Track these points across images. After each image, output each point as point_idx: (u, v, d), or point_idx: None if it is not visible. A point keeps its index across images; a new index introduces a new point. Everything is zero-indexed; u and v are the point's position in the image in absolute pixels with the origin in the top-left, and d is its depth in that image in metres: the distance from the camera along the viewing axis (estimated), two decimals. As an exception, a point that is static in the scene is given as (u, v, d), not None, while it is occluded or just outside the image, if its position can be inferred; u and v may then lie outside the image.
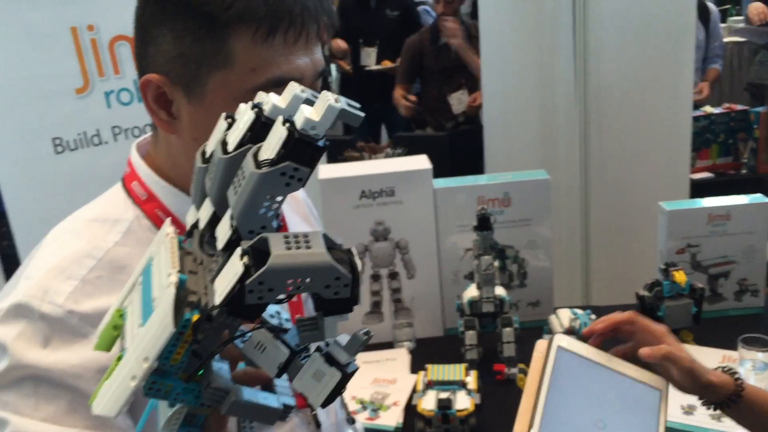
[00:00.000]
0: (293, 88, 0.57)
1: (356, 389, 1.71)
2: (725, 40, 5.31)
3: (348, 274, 0.53)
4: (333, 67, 5.08)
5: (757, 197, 1.93)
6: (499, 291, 1.76)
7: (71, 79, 2.03)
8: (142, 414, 0.69)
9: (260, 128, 0.56)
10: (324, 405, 0.59)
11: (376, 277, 1.96)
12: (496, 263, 1.78)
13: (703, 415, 1.45)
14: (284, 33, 0.80)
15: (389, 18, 4.62)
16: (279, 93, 0.58)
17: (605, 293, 2.70)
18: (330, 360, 0.58)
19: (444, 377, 1.58)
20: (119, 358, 0.58)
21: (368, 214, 1.90)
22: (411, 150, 3.24)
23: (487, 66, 2.78)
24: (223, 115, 0.61)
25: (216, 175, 0.58)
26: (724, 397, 1.00)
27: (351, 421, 1.15)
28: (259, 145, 0.55)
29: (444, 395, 1.51)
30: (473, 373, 1.63)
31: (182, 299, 0.56)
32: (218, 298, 0.52)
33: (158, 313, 0.55)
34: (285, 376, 0.62)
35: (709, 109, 3.39)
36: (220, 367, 0.63)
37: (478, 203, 1.90)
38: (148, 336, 0.55)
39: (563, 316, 1.71)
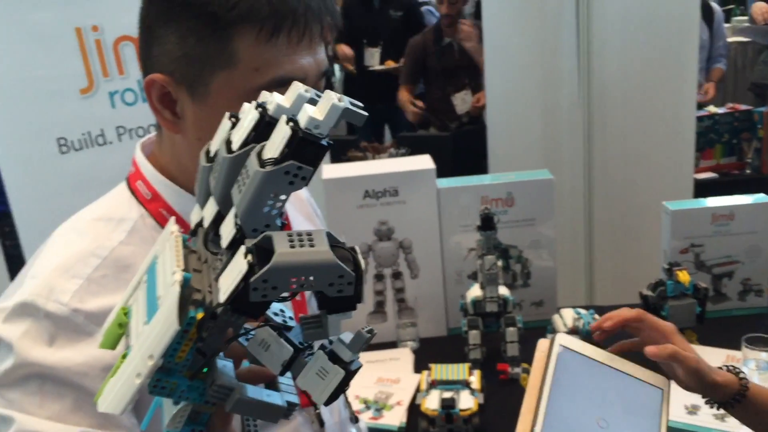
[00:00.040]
0: (297, 88, 0.57)
1: (360, 389, 1.71)
2: (729, 40, 5.31)
3: (351, 272, 0.53)
4: (336, 67, 5.08)
5: (761, 197, 1.93)
6: (503, 291, 1.76)
7: (76, 80, 2.04)
8: (147, 412, 0.69)
9: (264, 127, 0.56)
10: (328, 402, 0.59)
11: (379, 277, 1.96)
12: (500, 263, 1.78)
13: (706, 415, 1.45)
14: (288, 33, 0.80)
15: (392, 18, 4.62)
16: (283, 93, 0.58)
17: (609, 293, 2.70)
18: (334, 358, 0.58)
19: (447, 377, 1.58)
20: (124, 356, 0.58)
21: (372, 214, 1.91)
22: (414, 150, 3.24)
23: (490, 66, 2.78)
24: (227, 114, 0.61)
25: (220, 174, 0.58)
26: (729, 396, 1.00)
27: (354, 419, 1.15)
28: (263, 144, 0.55)
29: (447, 395, 1.51)
30: (477, 373, 1.63)
31: (187, 297, 0.56)
32: (222, 296, 0.53)
33: (163, 311, 0.55)
34: (289, 374, 0.62)
35: (713, 109, 3.38)
36: (225, 364, 0.63)
37: (482, 203, 1.90)
38: (153, 334, 0.55)
39: (567, 316, 1.72)
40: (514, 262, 1.97)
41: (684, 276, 1.73)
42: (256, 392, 0.63)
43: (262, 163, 0.53)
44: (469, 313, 1.78)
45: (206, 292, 0.58)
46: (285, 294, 0.53)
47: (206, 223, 0.62)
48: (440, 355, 1.78)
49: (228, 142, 0.59)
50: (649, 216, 2.39)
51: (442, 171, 1.95)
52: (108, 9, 2.05)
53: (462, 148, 3.73)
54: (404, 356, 1.87)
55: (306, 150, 0.53)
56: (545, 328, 1.82)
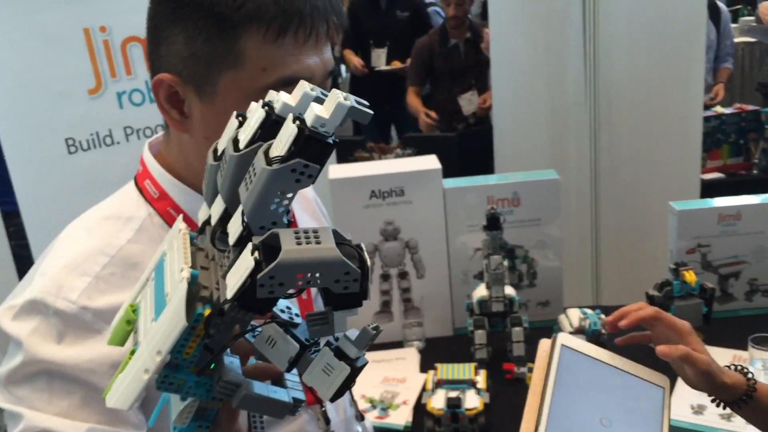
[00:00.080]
0: (303, 87, 0.58)
1: (366, 388, 1.71)
2: (737, 40, 5.29)
3: (357, 269, 0.54)
4: (342, 67, 5.09)
5: (768, 197, 1.93)
6: (509, 290, 1.76)
7: (84, 80, 2.05)
8: (154, 409, 0.70)
9: (271, 126, 0.57)
10: (333, 399, 0.60)
11: (385, 277, 1.96)
12: (506, 263, 1.78)
13: (712, 415, 1.45)
14: (294, 33, 0.81)
15: (399, 19, 4.63)
16: (289, 92, 0.59)
17: (615, 293, 2.70)
18: (339, 354, 0.59)
19: (453, 376, 1.59)
20: (132, 352, 0.59)
21: (378, 214, 1.91)
22: (421, 150, 3.24)
23: (497, 66, 2.78)
24: (235, 113, 0.62)
25: (227, 172, 0.59)
26: (737, 396, 1.00)
27: (360, 417, 1.16)
28: (269, 142, 0.55)
29: (453, 394, 1.51)
30: (482, 373, 1.63)
31: (194, 294, 0.57)
32: (230, 293, 0.53)
33: (171, 308, 0.56)
34: (295, 371, 0.63)
35: (720, 109, 3.37)
36: (231, 361, 0.64)
37: (488, 203, 1.90)
38: (161, 330, 0.56)
39: (573, 316, 1.71)
40: (520, 262, 1.97)
41: (690, 276, 1.73)
42: (263, 388, 0.63)
43: (269, 161, 0.53)
44: (475, 313, 1.78)
45: (213, 289, 0.58)
46: (291, 291, 0.54)
47: (214, 221, 0.62)
48: (446, 354, 1.78)
49: (235, 141, 0.59)
50: (655, 216, 2.39)
51: (449, 171, 1.95)
52: (116, 10, 2.06)
53: (468, 149, 3.73)
54: (410, 356, 1.87)
55: (312, 148, 0.53)
56: (551, 328, 1.82)
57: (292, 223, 0.59)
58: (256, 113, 0.58)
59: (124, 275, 0.84)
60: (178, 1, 0.81)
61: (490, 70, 2.88)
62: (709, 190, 2.78)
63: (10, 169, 1.97)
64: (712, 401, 1.03)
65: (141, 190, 0.92)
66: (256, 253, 0.52)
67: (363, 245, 0.56)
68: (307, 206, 1.16)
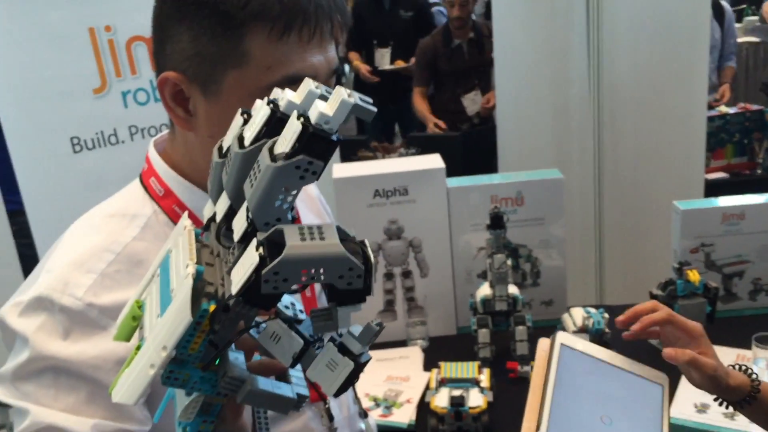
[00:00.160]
0: (308, 84, 0.58)
1: (370, 386, 1.72)
2: (741, 40, 5.29)
3: (361, 264, 0.54)
4: (347, 67, 5.10)
5: (772, 197, 1.92)
6: (512, 289, 1.77)
7: (89, 79, 2.06)
8: (159, 406, 0.70)
9: (275, 123, 0.57)
10: (337, 394, 0.60)
11: (389, 276, 1.97)
12: (509, 262, 1.78)
13: (716, 414, 1.45)
14: (299, 31, 0.81)
15: (403, 19, 4.63)
16: (294, 90, 0.59)
17: (618, 292, 2.70)
18: (343, 350, 0.59)
19: (457, 375, 1.59)
20: (138, 348, 0.60)
21: (382, 213, 1.91)
22: (424, 150, 3.24)
23: (500, 66, 2.78)
24: (240, 110, 0.62)
25: (232, 169, 0.59)
26: (741, 397, 1.00)
27: (363, 415, 1.16)
28: (274, 139, 0.56)
29: (457, 393, 1.52)
30: (486, 371, 1.63)
31: (199, 290, 0.57)
32: (235, 288, 0.54)
33: (176, 304, 0.56)
34: (299, 367, 0.63)
35: (724, 108, 3.37)
36: (236, 357, 0.64)
37: (491, 202, 1.90)
38: (167, 326, 0.56)
39: (576, 315, 1.72)
40: (524, 261, 1.97)
41: (694, 275, 1.73)
42: (267, 384, 0.64)
43: (274, 158, 0.54)
44: (479, 312, 1.78)
45: (219, 285, 0.59)
46: (295, 286, 0.54)
47: (219, 218, 0.63)
48: (450, 353, 1.78)
49: (240, 138, 0.60)
50: (659, 215, 2.39)
51: (452, 170, 1.96)
52: (121, 9, 2.07)
53: (472, 148, 3.73)
54: (414, 354, 1.88)
55: (316, 145, 0.53)
56: (555, 327, 1.82)
57: (296, 220, 0.59)
58: (260, 111, 0.59)
59: (129, 272, 0.84)
60: None
61: (493, 69, 2.88)
62: (713, 189, 2.77)
63: (16, 168, 1.98)
64: (715, 400, 1.03)
65: (146, 187, 0.92)
66: (261, 249, 0.52)
67: (367, 241, 0.57)
68: (312, 204, 1.17)
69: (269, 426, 0.75)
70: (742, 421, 1.11)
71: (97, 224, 0.90)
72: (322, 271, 0.53)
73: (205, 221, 0.66)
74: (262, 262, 0.52)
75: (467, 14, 3.98)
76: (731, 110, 3.32)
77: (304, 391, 0.67)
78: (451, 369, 1.61)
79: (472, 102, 4.04)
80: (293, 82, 0.77)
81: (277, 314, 0.63)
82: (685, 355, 0.98)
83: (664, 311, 1.04)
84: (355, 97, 0.54)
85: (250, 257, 0.53)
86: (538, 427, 0.89)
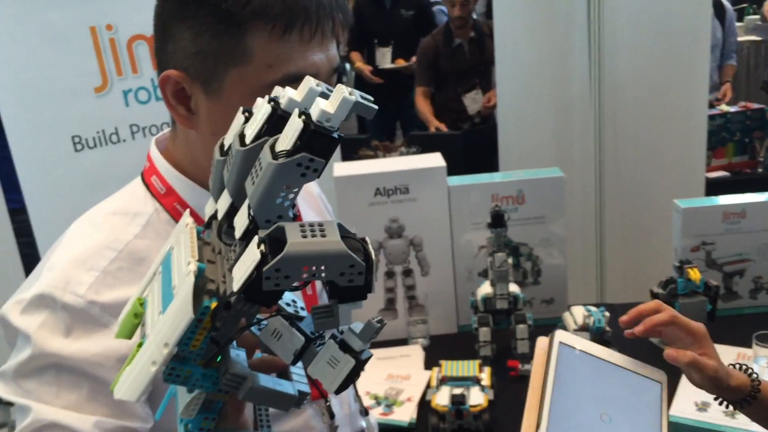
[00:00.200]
0: (309, 82, 0.58)
1: (370, 385, 1.72)
2: (742, 39, 5.28)
3: (362, 261, 0.54)
4: (347, 66, 5.10)
5: (773, 195, 1.92)
6: (513, 288, 1.77)
7: (90, 78, 2.06)
8: (161, 403, 0.71)
9: (277, 121, 0.57)
10: (338, 391, 0.60)
11: (390, 274, 1.97)
12: (510, 260, 1.78)
13: (716, 412, 1.45)
14: (300, 29, 0.81)
15: (404, 18, 4.63)
16: (295, 88, 0.59)
17: (619, 291, 2.70)
18: (344, 347, 0.59)
19: (458, 373, 1.59)
20: (140, 345, 0.60)
21: (383, 212, 1.92)
22: (425, 149, 3.24)
23: (501, 64, 2.78)
24: (241, 109, 0.62)
25: (234, 166, 0.60)
26: (741, 396, 1.00)
27: (364, 412, 1.16)
28: (275, 137, 0.56)
29: (458, 391, 1.52)
30: (487, 370, 1.64)
31: (201, 287, 0.57)
32: (236, 285, 0.54)
33: (178, 301, 0.57)
34: (300, 364, 0.63)
35: (725, 107, 3.37)
36: (238, 354, 0.64)
37: (492, 201, 1.90)
38: (169, 323, 0.57)
39: (577, 314, 1.72)
40: (525, 260, 1.97)
41: (695, 274, 1.73)
42: (269, 381, 0.64)
43: (275, 156, 0.54)
44: (480, 311, 1.79)
45: (220, 282, 0.59)
46: (296, 283, 0.54)
47: (220, 215, 0.63)
48: (450, 352, 1.78)
49: (242, 136, 0.60)
50: (660, 214, 2.39)
51: (453, 169, 1.96)
52: (122, 8, 2.08)
53: (473, 147, 3.73)
54: (415, 353, 1.88)
55: (318, 142, 0.54)
56: (555, 326, 1.82)
57: (297, 218, 0.59)
58: (262, 108, 0.59)
59: (131, 270, 0.85)
60: None
61: (494, 69, 2.88)
62: (714, 188, 2.77)
63: (17, 167, 1.98)
64: (715, 399, 1.03)
65: (148, 185, 0.93)
66: (263, 246, 0.52)
67: (368, 238, 0.57)
68: (313, 203, 1.17)
69: (271, 423, 0.75)
70: (742, 419, 1.11)
71: (99, 222, 0.90)
72: (323, 268, 0.53)
73: (206, 219, 0.66)
74: (264, 259, 0.52)
75: (468, 14, 3.97)
76: (732, 109, 3.32)
77: (306, 388, 0.67)
78: (452, 367, 1.61)
79: (473, 101, 4.04)
80: (294, 81, 0.77)
81: (279, 311, 0.63)
82: (686, 357, 0.98)
83: (668, 312, 1.04)
84: (356, 95, 0.54)
85: (252, 254, 0.53)
86: (537, 426, 0.89)
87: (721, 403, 1.03)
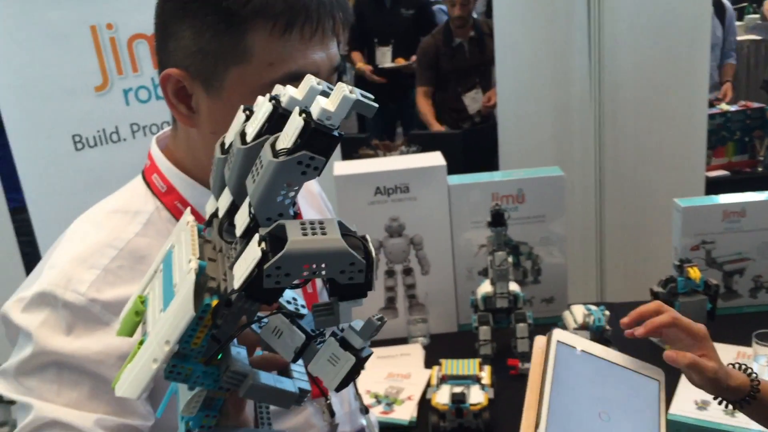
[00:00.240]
0: (309, 81, 0.58)
1: (371, 383, 1.72)
2: (742, 38, 5.28)
3: (362, 259, 0.55)
4: (347, 66, 5.10)
5: (773, 194, 1.92)
6: (513, 287, 1.77)
7: (90, 77, 2.06)
8: (162, 400, 0.71)
9: (277, 119, 0.57)
10: (339, 389, 0.60)
11: (390, 273, 1.97)
12: (510, 259, 1.79)
13: (716, 410, 1.45)
14: (301, 28, 0.81)
15: (404, 17, 4.63)
16: (296, 87, 0.59)
17: (619, 290, 2.70)
18: (345, 344, 0.60)
19: (458, 372, 1.59)
20: (141, 343, 0.60)
21: (383, 211, 1.92)
22: (425, 148, 3.24)
23: (501, 64, 2.78)
24: (242, 107, 0.62)
25: (235, 164, 0.60)
26: (740, 396, 1.01)
27: (364, 410, 1.16)
28: (276, 135, 0.56)
29: (458, 389, 1.52)
30: (487, 368, 1.64)
31: (202, 285, 0.57)
32: (237, 283, 0.54)
33: (179, 298, 0.57)
34: (301, 362, 0.64)
35: (724, 106, 3.37)
36: (238, 351, 0.65)
37: (492, 200, 1.90)
38: (170, 320, 0.57)
39: (577, 312, 1.72)
40: (525, 259, 1.98)
41: (695, 273, 1.73)
42: (269, 379, 0.64)
43: (276, 154, 0.54)
44: (480, 309, 1.79)
45: (221, 280, 0.59)
46: (297, 281, 0.54)
47: (221, 213, 0.63)
48: (451, 350, 1.79)
49: (242, 134, 0.60)
50: (660, 213, 2.39)
51: (453, 168, 1.96)
52: (122, 7, 2.08)
53: (473, 146, 3.73)
54: (415, 352, 1.88)
55: (318, 140, 0.54)
56: (555, 325, 1.82)
57: (297, 216, 0.60)
58: (263, 107, 0.59)
59: (132, 268, 0.85)
60: None
61: (494, 68, 2.88)
62: (714, 187, 2.76)
63: (18, 166, 1.98)
64: (715, 399, 1.03)
65: (149, 184, 0.93)
66: (263, 244, 0.53)
67: (368, 236, 0.57)
68: (313, 201, 1.17)
69: (271, 421, 0.75)
70: (742, 418, 1.11)
71: (100, 220, 0.90)
72: (323, 265, 0.53)
73: (207, 217, 0.66)
74: (265, 256, 0.52)
75: (468, 13, 3.97)
76: (732, 108, 3.32)
77: (306, 386, 0.67)
78: (452, 366, 1.62)
79: (473, 100, 4.04)
80: (295, 79, 0.77)
81: (279, 309, 0.63)
82: (686, 359, 0.99)
83: (668, 314, 1.03)
84: (357, 93, 0.55)
85: (253, 252, 0.53)
86: (537, 426, 0.89)
87: (720, 403, 1.03)
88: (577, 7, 2.57)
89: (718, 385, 0.99)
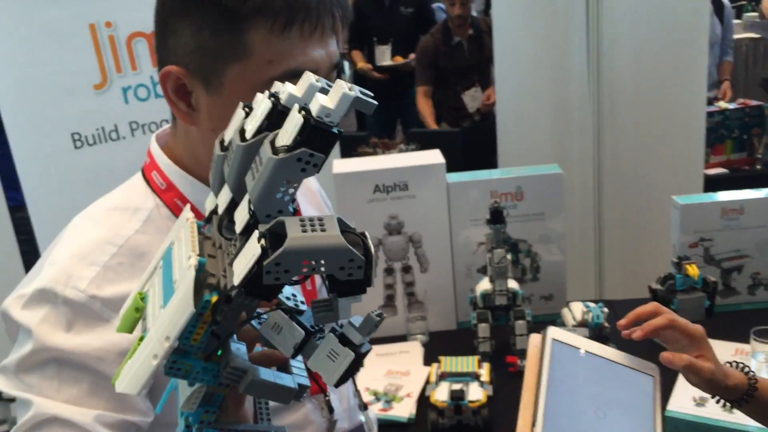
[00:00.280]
0: (308, 78, 0.58)
1: (370, 381, 1.73)
2: (741, 36, 5.28)
3: (361, 255, 0.55)
4: (346, 64, 5.10)
5: (771, 192, 1.93)
6: (512, 284, 1.78)
7: (90, 75, 2.07)
8: (161, 397, 0.71)
9: (277, 116, 0.58)
10: (338, 384, 0.61)
11: (389, 271, 1.97)
12: (509, 257, 1.79)
13: (714, 407, 1.45)
14: (300, 25, 0.82)
15: (403, 15, 4.63)
16: (295, 84, 0.60)
17: (618, 287, 2.70)
18: (344, 340, 0.60)
19: (457, 369, 1.60)
20: (141, 339, 0.60)
21: (382, 208, 1.92)
22: (425, 146, 3.24)
23: (500, 62, 2.78)
24: (241, 104, 0.63)
25: (234, 161, 0.60)
26: (738, 395, 1.01)
27: (363, 407, 1.17)
28: (275, 132, 0.56)
29: (457, 387, 1.52)
30: (486, 365, 1.64)
31: (202, 281, 0.58)
32: (237, 279, 0.54)
33: (179, 295, 0.57)
34: (300, 358, 0.64)
35: (723, 104, 3.37)
36: (238, 347, 0.65)
37: (491, 197, 1.91)
38: (170, 316, 0.57)
39: (576, 310, 1.72)
40: (524, 256, 1.98)
41: (693, 270, 1.74)
42: (269, 374, 0.64)
43: (275, 151, 0.54)
44: (479, 307, 1.79)
45: (221, 276, 0.59)
46: (296, 278, 0.55)
47: (221, 210, 0.63)
48: (450, 348, 1.79)
49: (242, 131, 0.60)
50: (658, 211, 2.40)
51: (452, 166, 1.96)
52: (121, 5, 2.08)
53: (472, 144, 3.73)
54: (414, 349, 1.88)
55: (318, 137, 0.54)
56: (554, 322, 1.83)
57: (297, 213, 0.60)
58: (262, 104, 0.59)
59: (131, 265, 0.85)
60: None
61: (493, 66, 2.88)
62: (713, 185, 2.77)
63: (17, 164, 1.98)
64: (713, 397, 1.03)
65: (148, 181, 0.93)
66: (263, 241, 0.53)
67: (367, 233, 0.57)
68: (312, 198, 1.17)
69: (271, 417, 0.75)
70: (740, 414, 1.11)
71: (100, 217, 0.90)
72: (323, 262, 0.54)
73: (207, 214, 0.67)
74: (264, 253, 0.52)
75: (468, 12, 3.98)
76: (731, 106, 3.33)
77: (306, 382, 0.68)
78: (451, 363, 1.62)
79: (472, 99, 4.04)
80: (294, 76, 0.77)
81: (279, 305, 0.63)
82: (683, 360, 0.99)
83: (666, 316, 1.03)
84: (356, 91, 0.55)
85: (252, 249, 0.53)
86: (533, 424, 0.89)
87: (718, 401, 1.04)
88: (576, 6, 2.58)
89: (715, 385, 1.00)
